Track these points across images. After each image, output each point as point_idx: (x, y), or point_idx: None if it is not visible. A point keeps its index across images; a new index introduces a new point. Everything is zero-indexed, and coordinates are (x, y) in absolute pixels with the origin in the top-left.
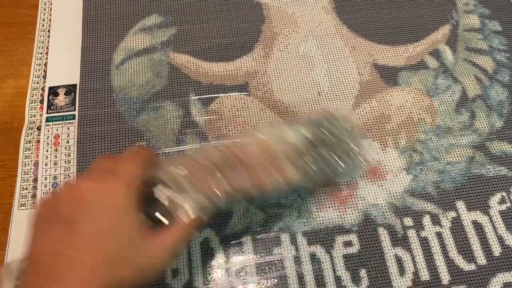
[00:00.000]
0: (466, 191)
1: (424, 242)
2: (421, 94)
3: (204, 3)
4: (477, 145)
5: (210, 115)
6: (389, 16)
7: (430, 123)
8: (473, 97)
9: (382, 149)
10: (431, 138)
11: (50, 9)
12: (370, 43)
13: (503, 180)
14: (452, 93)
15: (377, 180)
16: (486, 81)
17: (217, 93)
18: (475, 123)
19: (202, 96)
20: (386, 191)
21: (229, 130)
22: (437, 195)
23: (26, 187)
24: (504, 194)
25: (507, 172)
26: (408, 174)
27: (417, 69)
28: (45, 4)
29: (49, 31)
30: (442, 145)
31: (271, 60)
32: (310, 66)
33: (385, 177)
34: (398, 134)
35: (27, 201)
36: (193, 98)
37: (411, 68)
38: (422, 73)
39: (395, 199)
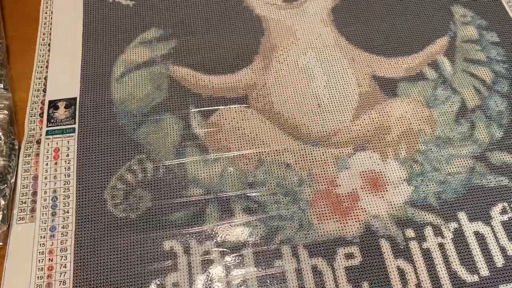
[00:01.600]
0: (467, 201)
1: (426, 254)
2: (420, 105)
3: (203, 17)
4: (477, 155)
5: (210, 128)
6: (388, 28)
7: (430, 134)
8: (472, 107)
9: (383, 160)
10: (431, 149)
11: (51, 23)
12: (369, 54)
13: (504, 191)
14: (451, 104)
15: (378, 192)
16: (485, 91)
17: (217, 106)
18: (475, 133)
19: (202, 109)
20: (387, 202)
21: (229, 142)
22: (439, 206)
23: (25, 201)
24: (506, 204)
25: (508, 183)
26: (409, 185)
27: (416, 80)
28: (45, 18)
29: (49, 44)
30: (442, 155)
31: (270, 72)
32: (309, 78)
33: (386, 188)
34: (398, 145)
35: (26, 214)
36: (193, 110)
37: (410, 80)
38: (421, 84)
39: (396, 210)
